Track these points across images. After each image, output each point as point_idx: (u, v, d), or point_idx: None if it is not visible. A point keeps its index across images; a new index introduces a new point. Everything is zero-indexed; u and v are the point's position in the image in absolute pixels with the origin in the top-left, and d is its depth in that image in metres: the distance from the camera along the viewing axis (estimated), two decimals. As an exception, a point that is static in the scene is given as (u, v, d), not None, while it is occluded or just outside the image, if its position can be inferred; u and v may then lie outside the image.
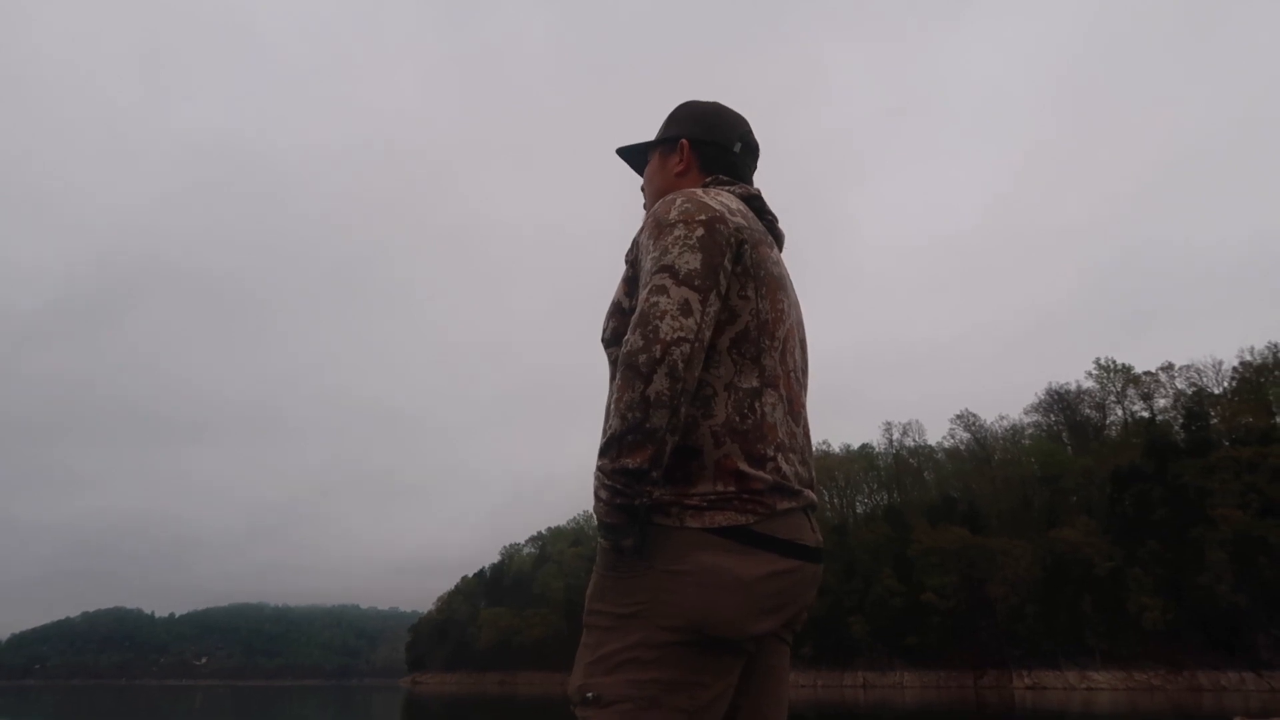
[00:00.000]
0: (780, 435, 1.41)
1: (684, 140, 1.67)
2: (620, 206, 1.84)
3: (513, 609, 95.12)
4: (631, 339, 1.29)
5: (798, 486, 1.41)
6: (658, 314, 1.30)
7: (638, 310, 1.32)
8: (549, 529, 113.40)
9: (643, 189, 1.73)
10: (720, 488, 1.34)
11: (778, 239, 1.63)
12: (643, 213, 1.67)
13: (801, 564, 1.38)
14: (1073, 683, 50.21)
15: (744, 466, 1.35)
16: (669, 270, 1.34)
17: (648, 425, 1.26)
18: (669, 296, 1.31)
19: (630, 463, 1.27)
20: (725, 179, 1.62)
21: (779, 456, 1.39)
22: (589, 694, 1.29)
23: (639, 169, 1.76)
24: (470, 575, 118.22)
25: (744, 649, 1.33)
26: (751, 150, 1.70)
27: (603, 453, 1.29)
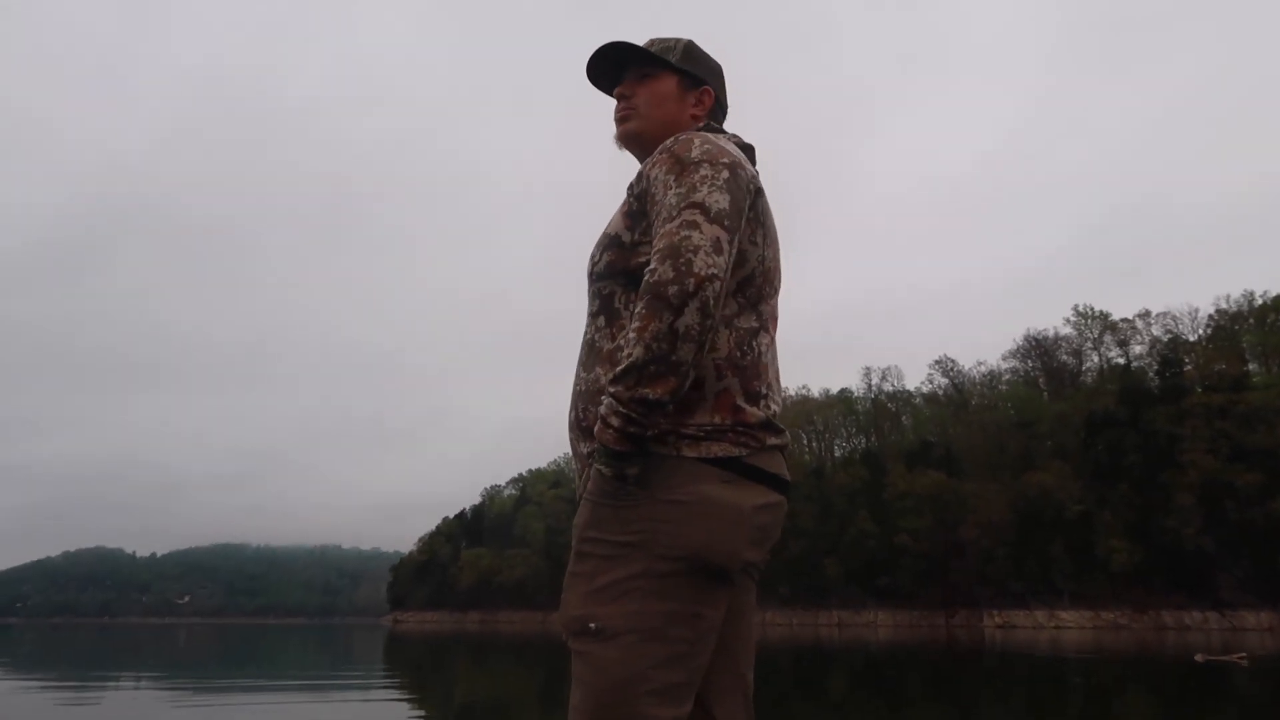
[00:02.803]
0: (770, 376, 1.44)
1: (710, 90, 1.65)
2: (610, 155, 1.74)
3: (493, 549, 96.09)
4: (660, 269, 1.28)
5: (780, 425, 1.43)
6: (690, 248, 1.28)
7: (665, 242, 1.30)
8: (529, 471, 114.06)
9: (622, 95, 1.64)
10: (717, 420, 1.35)
11: (760, 189, 1.61)
12: (613, 125, 1.64)
13: (783, 499, 1.41)
14: (1041, 621, 51.43)
15: (740, 401, 1.37)
16: (699, 207, 1.33)
17: (674, 357, 1.26)
18: (701, 232, 1.30)
19: (651, 393, 1.26)
20: (717, 128, 1.63)
21: (770, 395, 1.42)
22: (591, 624, 1.28)
23: (611, 73, 1.66)
24: (451, 516, 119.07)
25: (733, 580, 1.34)
26: (725, 108, 1.73)
27: (618, 379, 1.27)
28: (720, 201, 1.34)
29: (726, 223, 1.33)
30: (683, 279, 1.26)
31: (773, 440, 1.39)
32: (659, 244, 1.31)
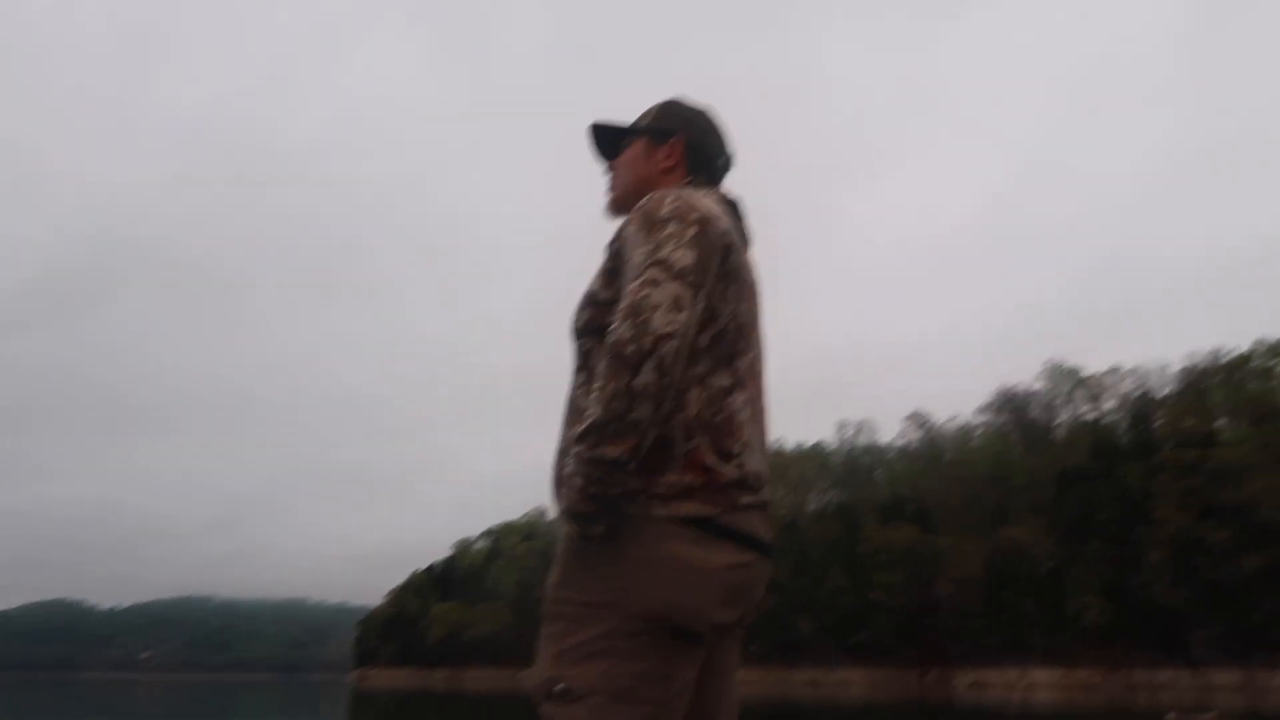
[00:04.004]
0: (746, 434, 1.42)
1: (681, 137, 1.66)
2: (596, 206, 1.77)
3: (463, 604, 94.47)
4: (620, 329, 1.29)
5: (757, 484, 1.41)
6: (649, 306, 1.29)
7: (627, 301, 1.31)
8: (502, 524, 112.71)
9: (608, 170, 1.71)
10: (688, 479, 1.34)
11: (748, 243, 1.62)
12: (603, 197, 1.70)
13: (757, 558, 1.39)
14: (1013, 680, 50.94)
15: (711, 460, 1.36)
16: (662, 264, 1.33)
17: (631, 416, 1.26)
18: (662, 290, 1.31)
19: (609, 452, 1.27)
20: (704, 183, 1.62)
21: (744, 454, 1.40)
22: (558, 686, 1.27)
23: (607, 150, 1.72)
24: (421, 569, 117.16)
25: (704, 640, 1.34)
26: (729, 167, 1.71)
27: (580, 439, 1.29)
28: (685, 258, 1.34)
29: (690, 279, 1.32)
30: (640, 338, 1.26)
31: (747, 499, 1.38)
32: (622, 303, 1.32)
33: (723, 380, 1.41)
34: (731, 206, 1.60)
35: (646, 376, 1.25)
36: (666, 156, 1.64)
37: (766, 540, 1.43)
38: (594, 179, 1.75)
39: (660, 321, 1.27)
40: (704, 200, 1.47)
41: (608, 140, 1.71)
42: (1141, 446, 55.43)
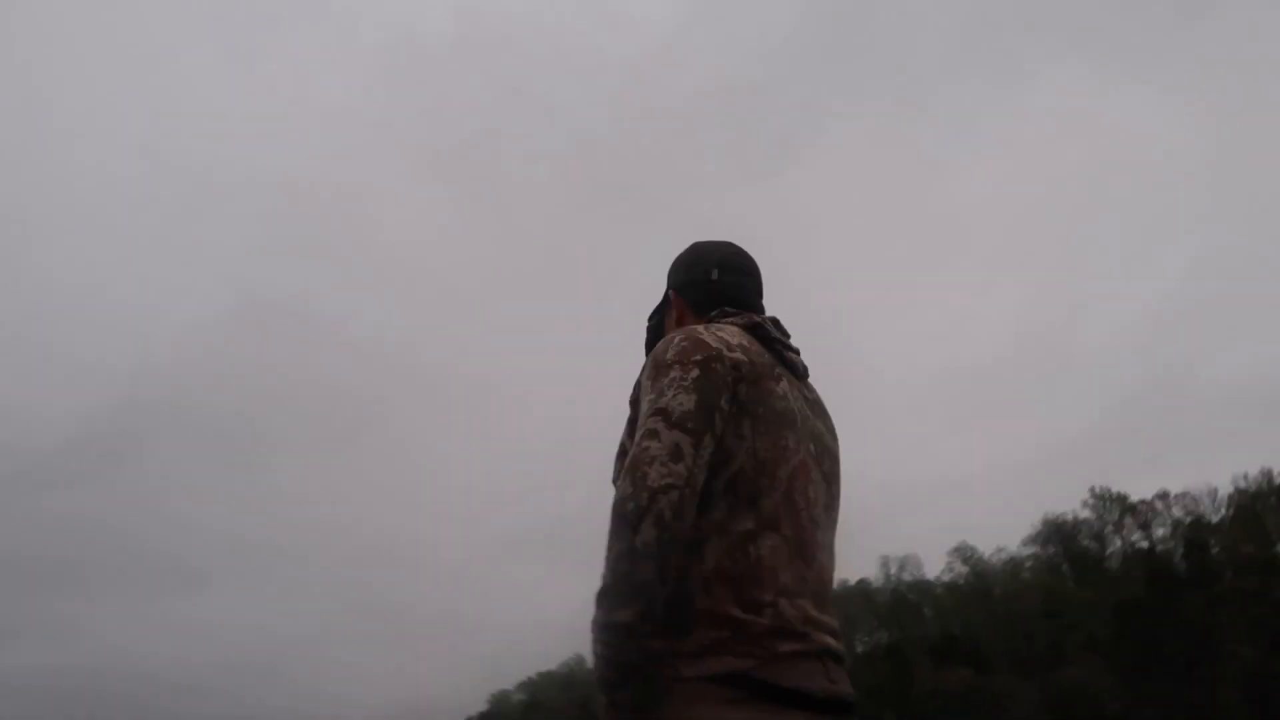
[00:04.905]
0: (783, 579, 1.32)
1: (671, 291, 1.67)
2: (632, 345, 1.77)
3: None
4: (622, 485, 1.25)
5: (803, 629, 1.31)
6: (647, 459, 1.25)
7: (630, 455, 1.28)
8: (539, 674, 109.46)
9: None
10: (714, 634, 1.27)
11: (792, 367, 1.54)
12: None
13: (808, 716, 1.27)
14: (1090, 834, 47.59)
15: (736, 612, 1.28)
16: (663, 413, 1.29)
17: (636, 578, 1.21)
18: (660, 441, 1.27)
19: (620, 617, 1.22)
20: (730, 310, 1.56)
21: (780, 601, 1.30)
22: None
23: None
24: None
25: None
26: (737, 270, 1.65)
27: (596, 605, 1.24)
28: (685, 404, 1.29)
29: (690, 425, 1.28)
30: (638, 494, 1.22)
31: (787, 647, 1.27)
32: (628, 458, 1.28)
33: (744, 524, 1.32)
34: (762, 331, 1.52)
35: (646, 534, 1.19)
36: (673, 315, 1.65)
37: (823, 694, 1.30)
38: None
39: (657, 475, 1.22)
40: (720, 334, 1.42)
41: (659, 325, 1.71)
42: (1199, 575, 53.40)
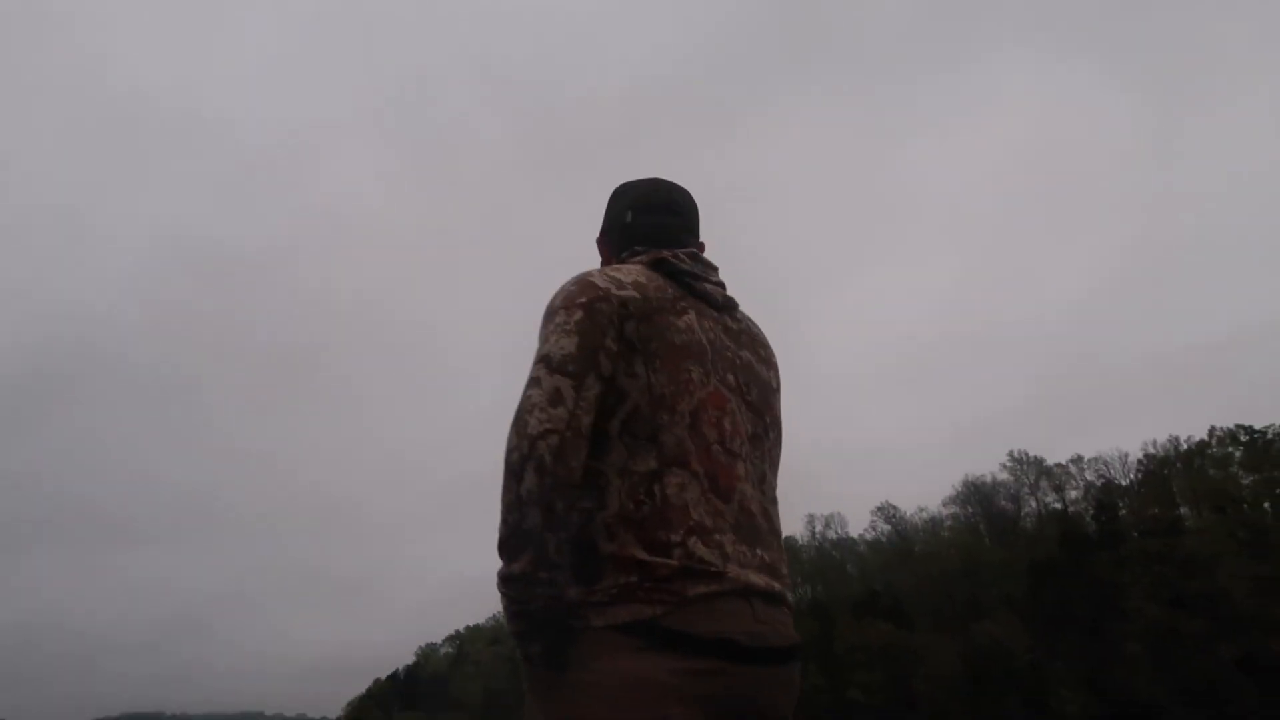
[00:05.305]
0: (695, 516, 1.27)
1: (597, 239, 1.67)
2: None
3: (426, 714, 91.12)
4: (509, 436, 1.24)
5: (718, 568, 1.25)
6: (528, 407, 1.24)
7: (517, 406, 1.26)
8: (467, 628, 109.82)
9: None
10: (622, 579, 1.24)
11: (707, 298, 1.49)
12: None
13: (724, 664, 1.21)
14: (999, 781, 49.94)
15: (642, 555, 1.24)
16: (545, 360, 1.28)
17: (524, 527, 1.20)
18: (540, 388, 1.26)
19: (515, 568, 1.21)
20: (639, 249, 1.54)
21: (690, 540, 1.25)
22: None
23: None
24: (383, 678, 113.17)
25: None
26: (656, 208, 1.59)
27: (499, 559, 1.24)
28: (565, 347, 1.28)
29: (571, 368, 1.26)
30: (520, 443, 1.21)
31: (698, 589, 1.22)
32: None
33: (646, 464, 1.29)
34: (667, 266, 1.47)
35: (529, 482, 1.18)
36: (601, 262, 1.65)
37: (750, 637, 1.24)
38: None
39: (536, 421, 1.21)
40: (614, 274, 1.39)
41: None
42: (1109, 536, 55.83)
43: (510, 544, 1.21)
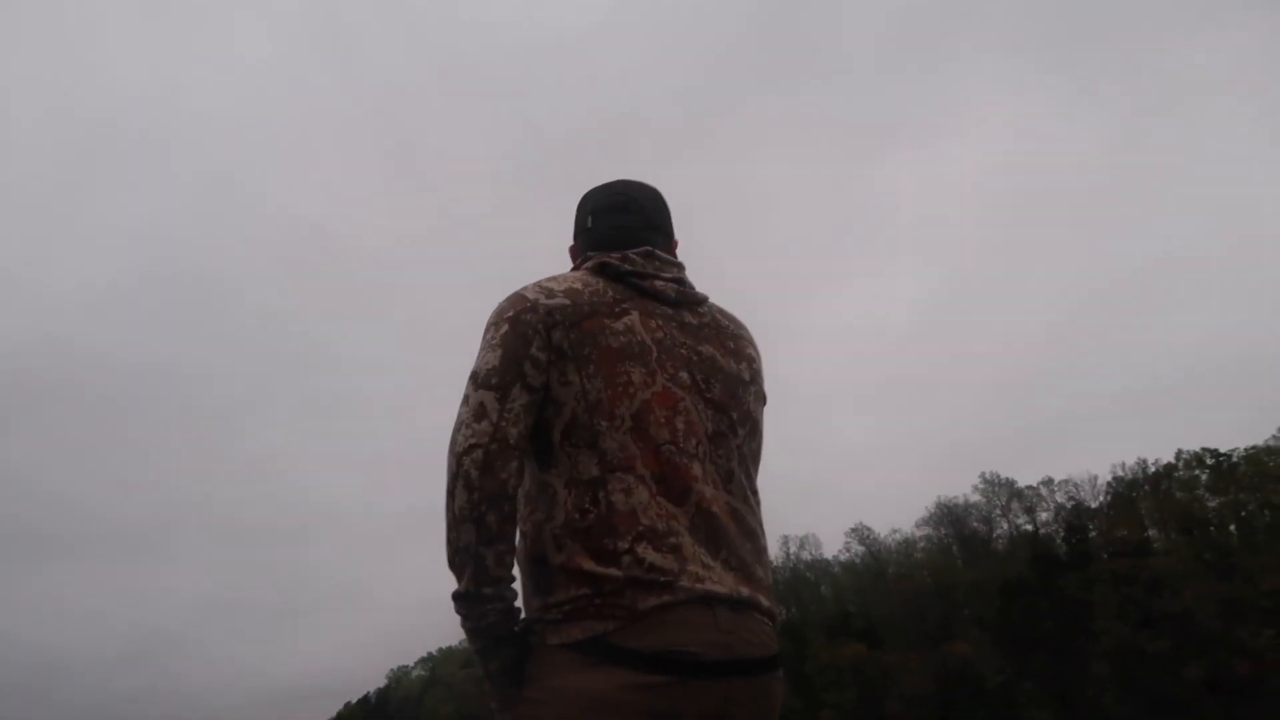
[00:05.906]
0: (645, 521, 1.24)
1: (569, 248, 1.66)
2: None
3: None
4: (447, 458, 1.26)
5: (670, 577, 1.21)
6: (456, 425, 1.25)
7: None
8: (439, 650, 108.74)
9: None
10: (574, 592, 1.23)
11: (658, 296, 1.44)
12: None
13: (675, 679, 1.18)
14: (970, 801, 49.95)
15: (590, 565, 1.22)
16: (472, 376, 1.30)
17: (460, 543, 1.21)
18: (468, 404, 1.27)
19: (460, 586, 1.22)
20: (591, 255, 1.51)
21: (640, 546, 1.22)
22: None
23: None
24: (354, 701, 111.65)
25: None
26: (613, 210, 1.56)
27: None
28: (490, 361, 1.29)
29: (494, 381, 1.26)
30: (450, 462, 1.23)
31: (650, 600, 1.19)
32: None
33: (589, 471, 1.27)
34: (610, 269, 1.44)
35: (460, 499, 1.20)
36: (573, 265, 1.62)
37: (709, 650, 1.19)
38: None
39: (461, 438, 1.23)
40: (548, 284, 1.38)
41: None
42: (1078, 557, 56.29)
43: (454, 562, 1.22)
